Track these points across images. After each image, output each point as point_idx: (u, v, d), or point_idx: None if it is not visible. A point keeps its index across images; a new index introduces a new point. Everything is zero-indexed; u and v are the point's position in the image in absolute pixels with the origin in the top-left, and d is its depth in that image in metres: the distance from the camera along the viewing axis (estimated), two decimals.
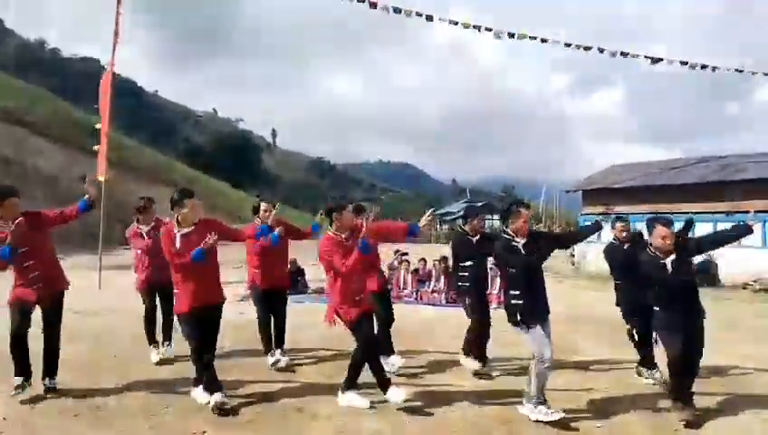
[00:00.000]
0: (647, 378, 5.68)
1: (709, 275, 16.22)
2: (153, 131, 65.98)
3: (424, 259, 12.94)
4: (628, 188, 19.85)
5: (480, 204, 52.20)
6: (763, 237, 16.39)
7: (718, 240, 5.01)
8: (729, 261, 15.58)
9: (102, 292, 11.52)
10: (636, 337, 5.82)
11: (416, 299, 11.82)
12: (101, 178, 13.07)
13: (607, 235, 6.38)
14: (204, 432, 4.20)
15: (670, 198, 18.50)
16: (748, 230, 4.78)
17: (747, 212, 6.57)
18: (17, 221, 4.83)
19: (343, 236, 4.99)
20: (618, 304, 6.00)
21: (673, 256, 4.68)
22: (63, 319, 5.17)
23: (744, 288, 15.52)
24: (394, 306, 6.30)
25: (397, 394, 4.71)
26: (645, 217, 5.40)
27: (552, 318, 4.79)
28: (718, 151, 23.94)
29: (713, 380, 5.64)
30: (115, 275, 12.87)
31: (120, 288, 11.06)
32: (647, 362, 5.70)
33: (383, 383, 4.79)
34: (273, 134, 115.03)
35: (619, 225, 5.90)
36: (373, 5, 14.72)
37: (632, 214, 17.29)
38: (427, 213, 5.27)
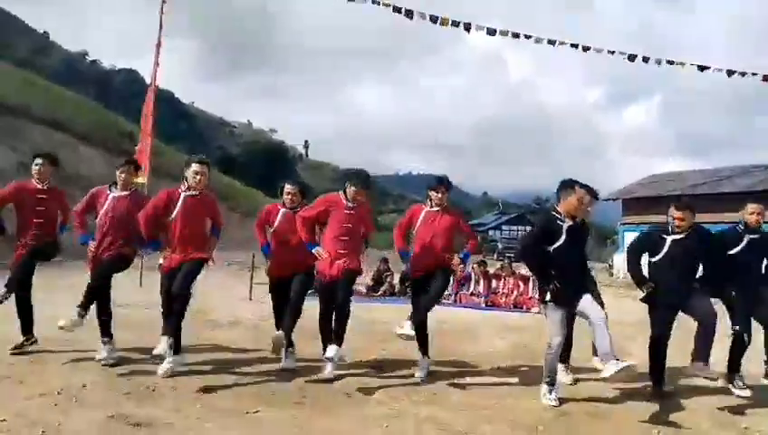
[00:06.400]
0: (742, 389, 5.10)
1: None
2: (189, 141, 67.13)
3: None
4: (670, 197, 19.35)
5: (513, 215, 51.84)
6: None
7: None
8: None
9: (144, 289, 11.64)
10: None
11: (454, 302, 11.67)
12: (142, 180, 13.27)
13: None
14: (257, 411, 4.16)
15: (714, 208, 17.95)
16: None
17: None
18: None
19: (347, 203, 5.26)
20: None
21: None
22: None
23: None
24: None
25: (331, 350, 4.95)
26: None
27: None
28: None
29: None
30: (155, 274, 13.00)
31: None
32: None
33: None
34: (306, 145, 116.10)
35: (750, 206, 5.32)
36: (409, 14, 14.61)
37: None
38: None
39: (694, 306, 4.78)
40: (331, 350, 4.96)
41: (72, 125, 31.01)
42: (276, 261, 5.56)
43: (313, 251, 5.16)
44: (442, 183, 5.42)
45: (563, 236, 4.59)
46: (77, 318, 5.05)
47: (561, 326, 4.60)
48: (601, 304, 4.97)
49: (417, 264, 5.41)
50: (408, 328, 5.01)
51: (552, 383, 4.64)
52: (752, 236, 5.22)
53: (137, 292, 10.89)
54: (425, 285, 5.28)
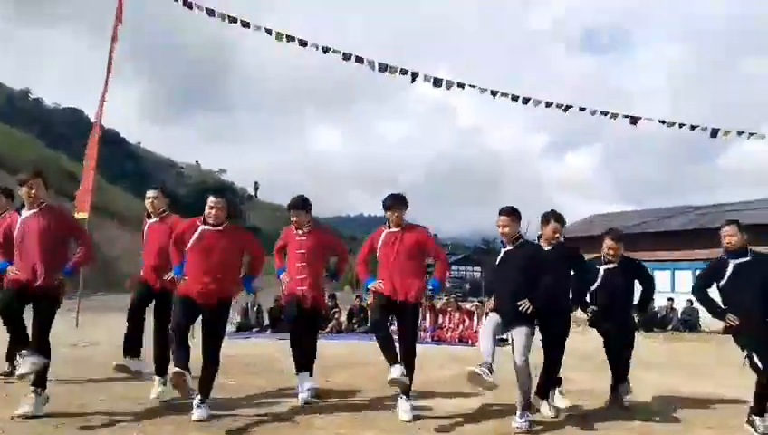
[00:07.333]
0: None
1: (691, 321, 16.32)
2: (135, 182, 65.87)
3: None
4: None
5: (461, 256, 52.40)
6: None
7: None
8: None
9: (80, 329, 11.26)
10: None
11: None
12: (83, 216, 12.93)
13: None
14: None
15: (653, 246, 18.81)
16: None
17: None
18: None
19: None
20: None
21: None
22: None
23: (725, 333, 15.60)
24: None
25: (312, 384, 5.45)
26: None
27: None
28: None
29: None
30: (92, 317, 12.63)
31: (96, 326, 10.96)
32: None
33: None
34: (255, 187, 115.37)
35: (722, 230, 4.87)
36: (360, 60, 14.76)
37: None
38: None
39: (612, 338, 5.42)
40: (311, 383, 5.47)
41: (13, 162, 30.19)
42: (192, 282, 4.79)
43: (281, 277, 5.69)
44: (396, 200, 5.13)
45: (498, 259, 4.99)
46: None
47: (486, 331, 4.85)
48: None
49: (383, 283, 5.07)
50: (397, 372, 4.84)
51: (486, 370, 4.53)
52: (736, 262, 4.73)
53: (73, 332, 10.55)
54: (391, 318, 5.44)
